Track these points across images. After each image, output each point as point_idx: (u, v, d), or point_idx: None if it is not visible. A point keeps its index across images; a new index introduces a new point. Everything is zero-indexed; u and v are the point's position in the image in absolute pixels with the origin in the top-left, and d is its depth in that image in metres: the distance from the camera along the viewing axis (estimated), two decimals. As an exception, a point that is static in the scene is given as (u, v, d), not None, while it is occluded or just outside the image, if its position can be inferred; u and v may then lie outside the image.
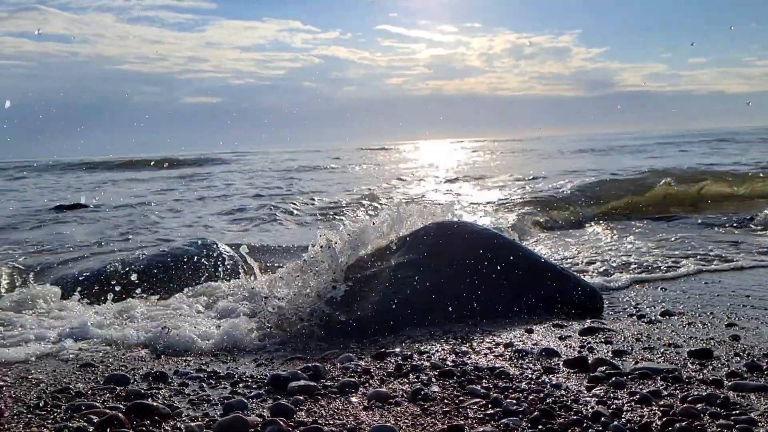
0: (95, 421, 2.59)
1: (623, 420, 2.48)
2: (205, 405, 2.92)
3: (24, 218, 12.59)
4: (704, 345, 3.56)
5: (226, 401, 2.90)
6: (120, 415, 2.60)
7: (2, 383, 3.24)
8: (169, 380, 3.37)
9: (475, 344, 3.78)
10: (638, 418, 2.49)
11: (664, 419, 2.43)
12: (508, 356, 3.50)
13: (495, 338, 3.91)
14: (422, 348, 3.77)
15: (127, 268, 6.29)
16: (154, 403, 2.80)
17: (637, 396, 2.70)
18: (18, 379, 3.38)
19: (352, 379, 3.16)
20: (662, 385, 2.87)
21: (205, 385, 3.27)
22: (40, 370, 3.67)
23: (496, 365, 3.30)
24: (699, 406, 2.55)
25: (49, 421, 2.67)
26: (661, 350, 3.49)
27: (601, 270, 6.35)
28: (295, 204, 14.05)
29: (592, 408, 2.59)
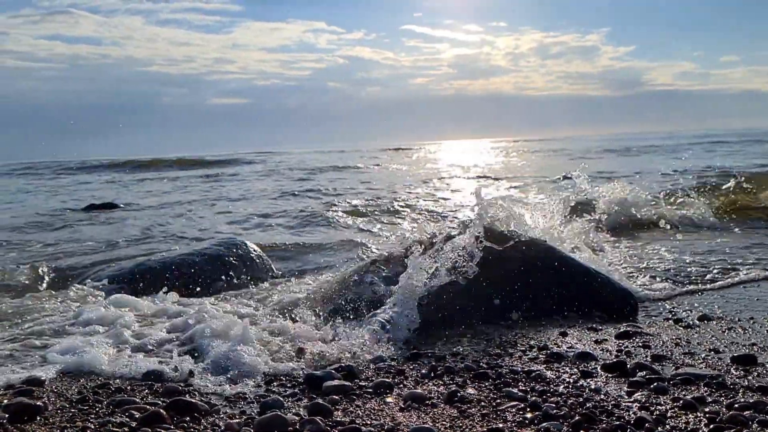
0: (137, 416, 2.62)
1: (668, 426, 2.44)
2: (242, 403, 2.93)
3: (55, 218, 12.81)
4: (747, 351, 3.48)
5: (262, 399, 2.91)
6: (161, 411, 2.63)
7: (44, 378, 3.29)
8: (202, 378, 3.39)
9: (509, 347, 3.75)
10: (683, 425, 2.44)
11: (711, 426, 2.39)
12: (543, 359, 3.46)
13: (529, 341, 3.87)
14: (456, 350, 3.75)
15: (155, 269, 6.33)
16: (194, 400, 2.82)
17: (681, 402, 2.65)
18: (58, 375, 3.43)
19: (387, 380, 3.16)
20: (706, 392, 2.81)
21: (239, 382, 3.29)
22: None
23: (532, 368, 3.26)
24: (746, 413, 2.49)
25: (92, 416, 2.70)
26: (702, 356, 3.42)
27: (635, 274, 6.26)
28: (324, 203, 14.09)
29: (635, 414, 2.55)
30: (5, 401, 2.87)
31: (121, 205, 15.03)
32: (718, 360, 3.34)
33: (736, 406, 2.58)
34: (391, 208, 12.52)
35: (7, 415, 2.70)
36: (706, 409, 2.58)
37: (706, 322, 4.30)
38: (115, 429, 2.53)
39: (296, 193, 17.16)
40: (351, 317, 4.48)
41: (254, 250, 7.11)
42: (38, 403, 2.80)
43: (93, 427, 2.57)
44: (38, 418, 2.71)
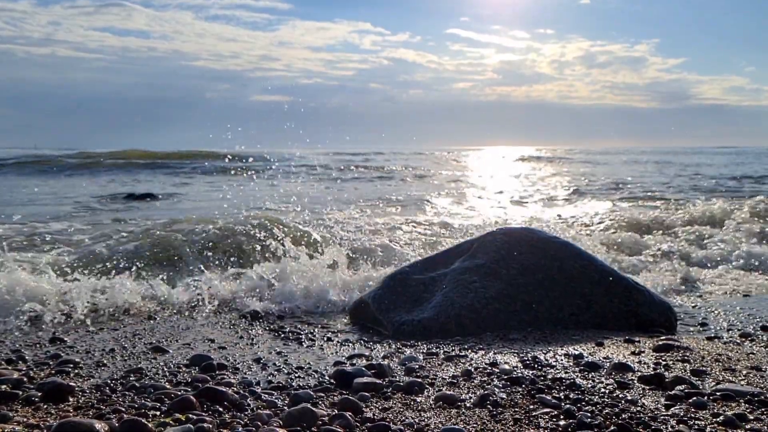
0: (168, 402, 2.63)
1: (707, 441, 2.36)
2: (273, 394, 2.92)
3: (100, 204, 13.07)
4: (791, 370, 3.36)
5: (293, 392, 2.90)
6: (191, 397, 2.63)
7: (79, 360, 3.34)
8: (231, 368, 3.41)
9: (542, 354, 3.68)
10: (723, 441, 2.36)
11: (752, 444, 2.30)
12: (578, 368, 3.38)
13: (563, 349, 3.80)
14: (488, 354, 3.70)
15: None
16: (224, 389, 2.83)
17: (721, 418, 2.56)
18: (88, 355, 3.47)
19: (418, 380, 3.12)
20: (747, 409, 2.71)
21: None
22: (111, 351, 3.76)
23: (566, 376, 3.19)
24: (791, 432, 2.40)
25: (123, 400, 2.72)
26: (744, 372, 3.31)
27: (673, 287, 6.13)
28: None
29: (673, 427, 2.47)
30: (39, 381, 2.92)
31: (160, 196, 15.26)
32: (760, 378, 3.22)
33: (781, 424, 2.49)
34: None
35: (40, 394, 2.74)
36: (747, 426, 2.49)
37: (747, 339, 4.18)
38: (147, 412, 2.54)
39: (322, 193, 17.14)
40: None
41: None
42: (70, 384, 2.83)
43: (124, 409, 2.60)
44: (70, 399, 2.75)
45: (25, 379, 3.00)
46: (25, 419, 2.48)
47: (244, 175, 25.54)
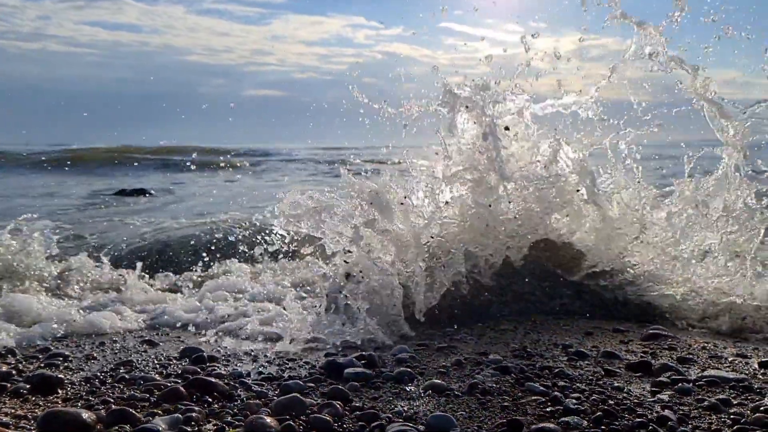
0: (157, 393, 2.65)
1: (690, 426, 2.38)
2: (263, 385, 2.94)
3: (91, 201, 13.04)
4: (776, 356, 3.40)
5: (283, 382, 2.92)
6: (181, 388, 2.65)
7: (69, 353, 3.35)
8: (222, 360, 3.42)
9: (532, 344, 3.71)
10: (707, 425, 2.39)
11: (735, 427, 2.33)
12: (566, 357, 3.41)
13: (553, 339, 3.82)
14: (479, 344, 3.72)
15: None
16: (216, 380, 2.84)
17: (705, 403, 2.59)
18: (78, 348, 3.48)
19: (408, 370, 3.14)
20: (732, 394, 2.75)
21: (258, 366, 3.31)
22: (101, 345, 3.77)
23: (555, 365, 3.22)
24: (773, 416, 2.43)
25: (112, 391, 2.73)
26: (729, 360, 3.35)
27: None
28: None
29: (658, 412, 2.50)
30: (28, 373, 2.92)
31: (152, 192, 15.23)
32: (744, 364, 3.26)
33: (762, 408, 2.51)
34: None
35: (28, 386, 2.75)
36: (731, 411, 2.52)
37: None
38: (136, 403, 2.55)
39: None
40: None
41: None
42: (59, 376, 2.84)
43: (113, 400, 2.61)
44: (59, 391, 2.76)
45: (13, 372, 3.01)
46: (12, 410, 2.48)
47: (239, 170, 25.52)
